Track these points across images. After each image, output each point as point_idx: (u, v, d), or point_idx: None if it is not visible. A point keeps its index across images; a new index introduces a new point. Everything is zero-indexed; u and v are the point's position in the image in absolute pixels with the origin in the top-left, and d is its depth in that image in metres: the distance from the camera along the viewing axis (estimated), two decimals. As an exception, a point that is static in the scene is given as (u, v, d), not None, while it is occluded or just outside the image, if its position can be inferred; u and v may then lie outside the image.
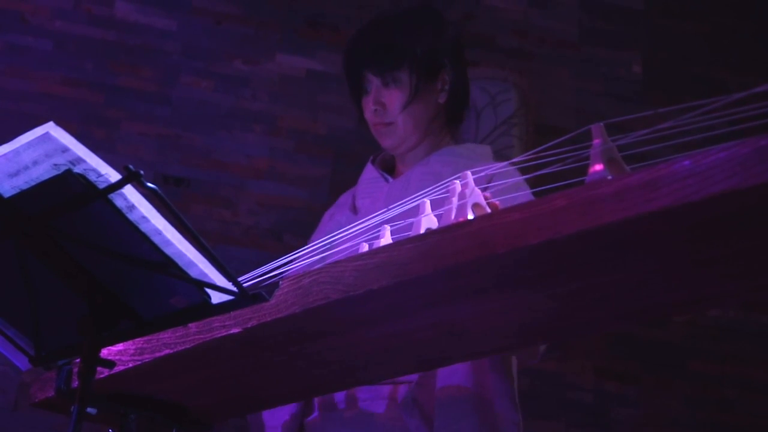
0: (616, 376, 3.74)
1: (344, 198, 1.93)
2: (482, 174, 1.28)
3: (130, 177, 1.02)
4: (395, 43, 1.79)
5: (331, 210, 1.94)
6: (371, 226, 1.34)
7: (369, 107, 1.81)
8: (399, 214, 1.32)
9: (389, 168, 1.89)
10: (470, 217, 1.13)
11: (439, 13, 1.86)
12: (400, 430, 1.57)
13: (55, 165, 1.04)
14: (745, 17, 4.25)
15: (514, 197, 1.46)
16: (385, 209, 1.35)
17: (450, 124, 1.87)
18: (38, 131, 1.03)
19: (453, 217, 1.15)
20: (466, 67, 1.89)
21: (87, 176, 1.04)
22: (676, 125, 0.97)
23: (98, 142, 3.54)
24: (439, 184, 1.28)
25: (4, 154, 1.05)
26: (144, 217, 1.08)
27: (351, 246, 1.35)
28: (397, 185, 1.78)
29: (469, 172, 1.20)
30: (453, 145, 1.85)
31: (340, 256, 1.38)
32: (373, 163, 1.90)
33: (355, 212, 1.83)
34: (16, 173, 1.07)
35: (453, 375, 1.57)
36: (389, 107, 1.79)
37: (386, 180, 1.84)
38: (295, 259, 1.43)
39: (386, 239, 1.24)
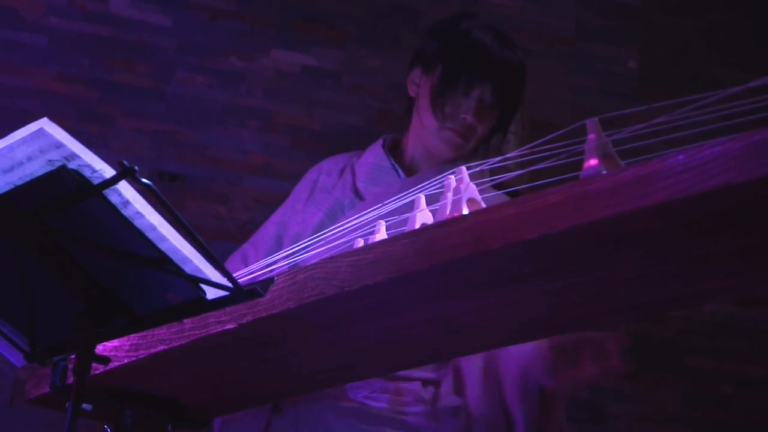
0: (611, 371, 3.74)
1: (331, 165, 1.87)
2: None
3: (124, 173, 1.02)
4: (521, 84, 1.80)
5: (312, 175, 1.87)
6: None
7: (469, 112, 1.74)
8: (394, 209, 1.32)
9: (397, 157, 1.83)
10: (465, 212, 1.13)
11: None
12: (400, 425, 1.57)
13: (50, 161, 1.04)
14: (741, 13, 4.25)
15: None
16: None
17: None
18: (32, 127, 1.03)
19: (448, 212, 1.15)
20: None
21: (81, 172, 1.04)
22: (671, 120, 0.97)
23: (93, 138, 3.53)
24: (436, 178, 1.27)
25: (-1, 150, 1.05)
26: (139, 213, 1.08)
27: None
28: (410, 185, 1.72)
29: (464, 167, 1.19)
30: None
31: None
32: (383, 147, 1.83)
33: (358, 197, 1.77)
34: (10, 169, 1.07)
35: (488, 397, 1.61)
36: (479, 130, 1.77)
37: (398, 174, 1.78)
38: (287, 256, 1.43)
39: (381, 234, 1.24)
